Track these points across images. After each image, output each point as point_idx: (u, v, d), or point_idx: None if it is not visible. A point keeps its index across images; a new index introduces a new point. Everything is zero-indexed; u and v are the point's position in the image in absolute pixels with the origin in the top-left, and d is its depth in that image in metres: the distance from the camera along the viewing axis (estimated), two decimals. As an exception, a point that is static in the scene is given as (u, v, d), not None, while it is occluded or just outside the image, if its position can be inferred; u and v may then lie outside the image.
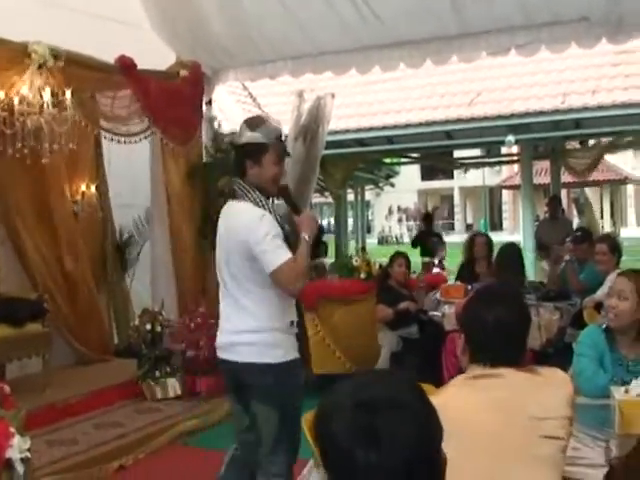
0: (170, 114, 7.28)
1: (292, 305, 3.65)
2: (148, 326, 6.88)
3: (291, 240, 3.55)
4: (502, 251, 7.30)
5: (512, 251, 7.28)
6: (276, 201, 3.68)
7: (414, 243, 13.56)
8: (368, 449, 1.27)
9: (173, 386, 6.82)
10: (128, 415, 6.40)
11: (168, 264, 7.54)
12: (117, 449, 5.55)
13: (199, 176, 7.65)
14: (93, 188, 8.08)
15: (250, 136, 3.54)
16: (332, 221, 17.72)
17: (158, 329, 6.91)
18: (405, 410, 1.32)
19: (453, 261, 8.74)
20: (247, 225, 3.45)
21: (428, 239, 12.72)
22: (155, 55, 7.40)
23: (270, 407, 3.54)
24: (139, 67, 6.97)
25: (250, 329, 3.51)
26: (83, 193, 7.95)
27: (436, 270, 11.16)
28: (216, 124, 8.75)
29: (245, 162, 3.55)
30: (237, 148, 3.65)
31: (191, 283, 7.51)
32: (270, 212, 3.50)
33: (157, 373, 6.80)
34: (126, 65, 6.87)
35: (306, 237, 3.51)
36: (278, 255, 3.41)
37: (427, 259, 12.15)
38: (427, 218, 14.39)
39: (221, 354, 3.67)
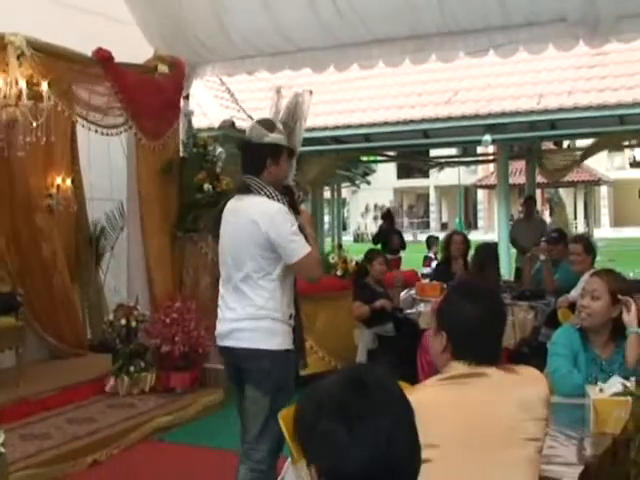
0: (147, 108, 7.23)
1: (292, 299, 3.82)
2: (123, 321, 6.84)
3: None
4: (480, 250, 7.34)
5: (490, 250, 7.33)
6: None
7: (375, 240, 13.63)
8: (345, 434, 1.30)
9: (147, 381, 6.78)
10: (102, 410, 6.35)
11: (143, 259, 7.49)
12: (91, 444, 5.51)
13: (175, 171, 7.60)
14: (68, 182, 8.01)
15: (273, 137, 3.81)
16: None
17: (133, 324, 6.87)
18: (378, 399, 1.35)
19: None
20: (272, 217, 3.66)
21: (389, 236, 12.82)
22: (134, 49, 7.34)
23: (262, 392, 3.69)
24: (117, 60, 6.92)
25: (252, 316, 3.70)
26: (58, 186, 7.88)
27: (434, 264, 11.31)
28: (193, 119, 8.73)
29: (266, 161, 3.78)
30: (258, 147, 3.80)
31: (166, 278, 7.47)
32: (287, 207, 3.74)
33: (131, 368, 6.75)
34: (104, 57, 6.81)
35: (312, 233, 3.84)
36: (303, 246, 3.67)
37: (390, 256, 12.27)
38: (388, 215, 14.49)
39: (222, 342, 3.84)
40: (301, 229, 3.77)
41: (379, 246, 12.63)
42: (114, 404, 6.52)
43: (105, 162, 7.86)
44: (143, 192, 7.51)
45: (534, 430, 2.21)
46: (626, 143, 13.16)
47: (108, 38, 6.87)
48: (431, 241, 13.75)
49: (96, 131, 6.90)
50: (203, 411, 6.61)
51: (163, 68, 7.54)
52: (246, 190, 3.79)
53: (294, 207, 3.89)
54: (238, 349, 3.73)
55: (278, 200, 3.73)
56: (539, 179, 15.27)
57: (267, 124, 3.90)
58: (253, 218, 3.69)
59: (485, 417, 2.19)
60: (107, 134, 6.99)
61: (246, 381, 3.78)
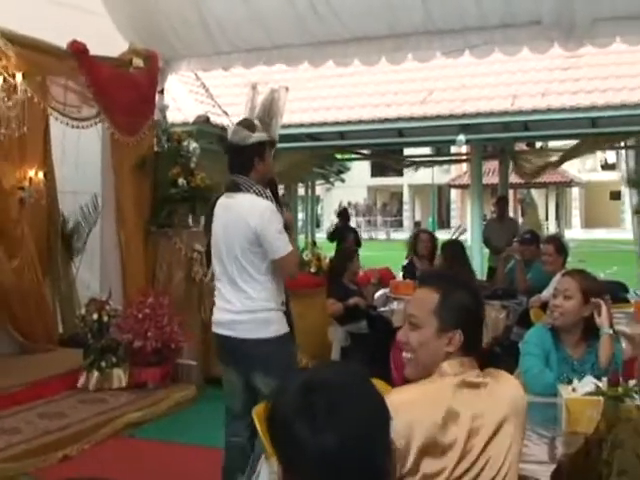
0: (121, 102, 7.19)
1: (282, 287, 4.13)
2: (95, 316, 6.80)
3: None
4: (447, 247, 7.37)
5: (457, 247, 7.35)
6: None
7: (331, 238, 13.64)
8: (304, 425, 1.32)
9: (119, 377, 6.74)
10: (73, 405, 6.30)
11: (116, 254, 7.45)
12: (61, 439, 5.48)
13: (150, 165, 7.56)
14: (41, 175, 7.94)
15: (256, 136, 4.09)
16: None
17: (105, 319, 6.83)
18: (345, 393, 1.37)
19: (401, 257, 8.81)
20: (261, 215, 3.95)
21: (345, 234, 12.89)
22: (109, 42, 7.30)
23: (272, 378, 3.87)
24: (92, 53, 6.87)
25: (248, 309, 4.00)
26: (30, 179, 7.81)
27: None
28: (168, 113, 8.69)
29: (254, 160, 4.07)
30: (244, 148, 4.06)
31: (140, 273, 7.43)
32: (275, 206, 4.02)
33: (103, 363, 6.71)
34: (78, 50, 6.77)
35: (292, 234, 4.17)
36: (287, 244, 3.99)
37: None
38: (343, 214, 14.57)
39: (220, 330, 4.12)
40: (286, 227, 4.05)
41: (334, 244, 12.71)
42: (85, 399, 6.47)
43: (74, 155, 7.78)
44: (117, 186, 7.47)
45: (519, 438, 2.23)
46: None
47: (83, 31, 6.82)
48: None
49: (67, 124, 6.84)
50: (175, 407, 6.58)
51: (138, 62, 7.50)
52: (236, 188, 4.06)
53: (276, 198, 4.15)
54: (239, 340, 4.02)
55: (266, 197, 4.01)
56: (512, 179, 15.38)
57: (248, 125, 4.13)
58: (243, 214, 3.97)
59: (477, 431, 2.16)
60: (79, 127, 6.95)
61: (252, 370, 4.04)
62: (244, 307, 4.02)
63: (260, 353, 4.01)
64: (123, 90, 7.23)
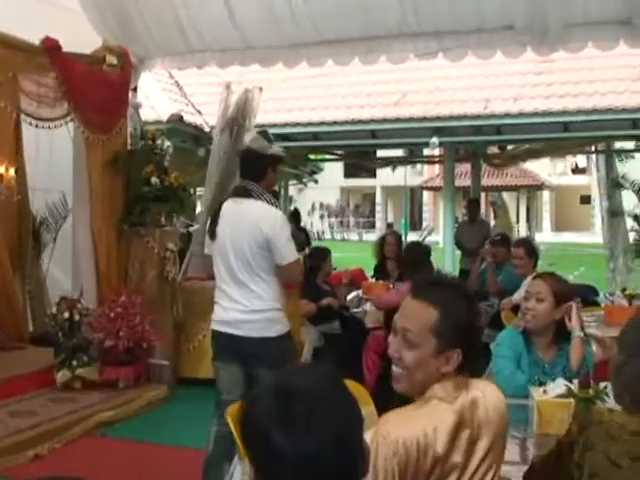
0: (94, 100, 7.14)
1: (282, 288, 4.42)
2: (66, 314, 6.73)
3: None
4: (410, 249, 7.38)
5: (420, 249, 7.35)
6: None
7: None
8: (282, 432, 1.33)
9: (90, 376, 6.69)
10: (44, 404, 6.25)
11: (89, 252, 7.39)
12: (32, 438, 5.44)
13: (123, 163, 7.50)
14: (12, 171, 7.86)
15: (275, 149, 4.42)
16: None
17: (76, 317, 6.76)
18: (321, 398, 1.37)
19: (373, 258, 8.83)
20: (274, 222, 4.23)
21: (295, 234, 12.97)
22: (82, 39, 7.24)
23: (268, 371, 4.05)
24: (65, 50, 6.81)
25: (258, 309, 4.24)
26: (1, 176, 7.73)
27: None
28: (141, 111, 8.65)
29: (267, 170, 4.36)
30: (261, 157, 4.33)
31: (112, 272, 7.37)
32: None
33: (74, 362, 6.65)
34: (51, 47, 6.71)
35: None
36: (293, 253, 4.29)
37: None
38: (295, 214, 14.71)
39: (225, 328, 4.33)
40: (293, 235, 4.38)
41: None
42: (56, 398, 6.42)
43: (46, 152, 7.70)
44: (89, 184, 7.41)
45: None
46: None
47: (57, 27, 6.76)
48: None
49: (37, 126, 6.76)
50: (146, 406, 6.56)
51: (111, 59, 7.45)
52: (246, 194, 4.31)
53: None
54: (246, 338, 4.24)
55: (276, 207, 4.32)
56: (484, 182, 15.49)
57: (267, 136, 4.42)
58: (255, 220, 4.22)
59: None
60: (49, 127, 6.87)
61: (255, 366, 4.20)
62: (253, 307, 4.24)
63: (266, 351, 4.21)
64: (96, 88, 7.18)
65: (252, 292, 4.25)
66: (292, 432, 1.33)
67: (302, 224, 15.24)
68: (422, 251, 6.93)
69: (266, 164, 4.37)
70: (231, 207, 4.37)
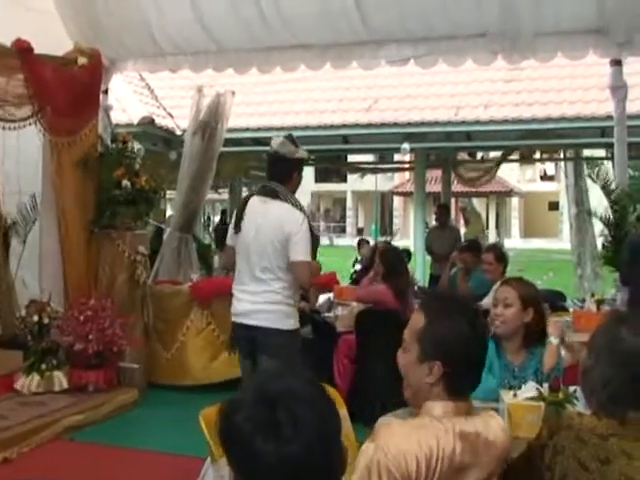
0: (63, 102, 7.09)
1: (298, 287, 4.75)
2: (35, 317, 6.67)
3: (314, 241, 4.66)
4: (386, 255, 7.40)
5: (397, 253, 7.38)
6: None
7: (215, 239, 13.76)
8: (268, 439, 1.34)
9: (59, 379, 6.62)
10: (12, 408, 6.16)
11: (57, 255, 7.32)
12: (1, 442, 5.36)
13: (93, 166, 7.45)
14: (-19, 173, 7.76)
15: (301, 153, 4.67)
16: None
17: (45, 321, 6.70)
18: (303, 402, 1.39)
19: (346, 263, 8.86)
20: (296, 221, 4.50)
21: (224, 235, 13.07)
22: (54, 41, 7.20)
23: (277, 362, 4.40)
24: (36, 52, 6.76)
25: (271, 301, 4.54)
26: (-31, 178, 7.63)
27: (358, 267, 11.42)
28: (112, 114, 8.60)
29: (293, 173, 4.64)
30: (288, 160, 4.61)
31: (82, 275, 7.31)
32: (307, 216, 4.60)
33: (43, 366, 6.58)
34: (22, 48, 6.66)
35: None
36: (306, 253, 4.52)
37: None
38: (223, 215, 14.91)
39: (241, 320, 4.65)
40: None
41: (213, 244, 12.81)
42: (25, 402, 6.34)
43: (15, 153, 7.61)
44: (58, 186, 7.34)
45: None
46: (537, 156, 13.54)
47: (27, 29, 6.71)
48: (362, 244, 13.98)
49: (3, 128, 6.70)
50: (116, 410, 6.51)
51: (83, 61, 7.39)
52: (273, 195, 4.58)
53: None
54: (259, 327, 4.54)
55: (301, 209, 4.59)
56: (454, 188, 15.59)
57: (293, 140, 4.65)
58: (280, 221, 4.52)
59: None
60: (14, 128, 6.81)
61: (261, 353, 4.54)
62: (267, 299, 4.54)
63: (276, 341, 4.51)
64: (65, 90, 7.12)
65: (267, 285, 4.54)
66: (278, 438, 1.34)
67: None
68: (399, 255, 6.98)
69: (292, 167, 4.64)
70: (258, 205, 4.63)
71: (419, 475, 1.98)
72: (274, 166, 4.70)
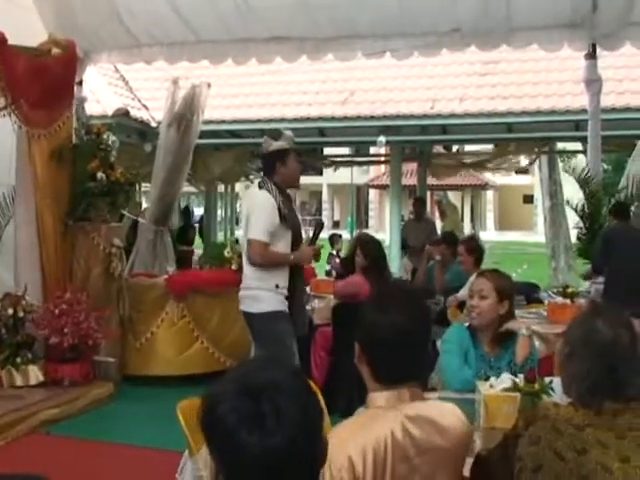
0: (36, 93, 7.02)
1: (281, 272, 4.81)
2: (10, 310, 6.60)
3: (293, 230, 4.88)
4: (367, 247, 7.39)
5: (378, 245, 7.39)
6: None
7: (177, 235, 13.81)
8: (252, 431, 1.33)
9: (35, 373, 6.57)
10: (-13, 402, 6.13)
11: (32, 248, 7.24)
12: (-24, 436, 5.35)
13: (67, 158, 7.38)
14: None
15: (277, 144, 4.87)
16: (201, 211, 17.80)
17: (21, 314, 6.64)
18: (287, 394, 1.38)
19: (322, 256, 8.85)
20: (256, 202, 4.83)
21: (187, 230, 13.55)
22: (28, 32, 7.12)
23: (258, 345, 4.95)
24: (10, 43, 6.68)
25: (246, 286, 4.89)
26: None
27: (337, 260, 11.42)
28: (86, 106, 8.54)
29: (275, 164, 4.87)
30: (268, 155, 4.92)
31: (57, 268, 7.24)
32: (277, 203, 4.73)
33: (18, 359, 6.53)
34: (-4, 39, 6.57)
35: (291, 257, 4.84)
36: (258, 231, 4.69)
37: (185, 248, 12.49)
38: (185, 212, 14.97)
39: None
40: (296, 225, 4.94)
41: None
42: (1, 395, 6.29)
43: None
44: (33, 178, 7.26)
45: None
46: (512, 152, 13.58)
47: (3, 20, 6.62)
48: (334, 239, 13.89)
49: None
50: (92, 404, 6.49)
51: (57, 52, 7.32)
52: (259, 186, 4.88)
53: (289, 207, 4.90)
54: (243, 312, 4.95)
55: (275, 197, 4.76)
56: (430, 181, 15.63)
57: (274, 134, 4.97)
58: (250, 204, 4.91)
59: None
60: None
61: (253, 340, 5.08)
62: (244, 284, 4.89)
63: (251, 324, 4.91)
64: (39, 81, 7.05)
65: (245, 272, 4.89)
66: (261, 430, 1.34)
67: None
68: (379, 247, 6.94)
69: (272, 160, 4.89)
70: (245, 195, 5.40)
71: (376, 468, 1.97)
72: (261, 162, 5.21)
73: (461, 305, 6.71)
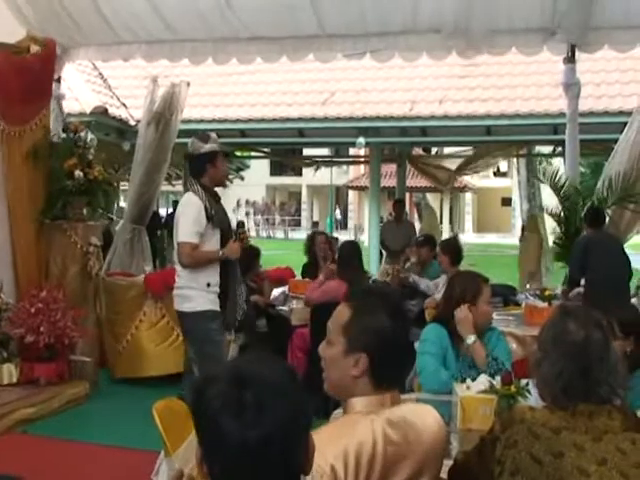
0: (14, 90, 6.97)
1: (212, 271, 4.90)
2: (-15, 308, 6.55)
3: (221, 227, 4.98)
4: (342, 248, 7.40)
5: (351, 248, 7.38)
6: None
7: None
8: (231, 419, 1.34)
9: (10, 372, 6.50)
10: (-38, 401, 6.06)
11: (7, 246, 7.17)
12: (-49, 435, 5.29)
13: (43, 156, 7.31)
14: None
15: (207, 147, 4.95)
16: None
17: (-4, 312, 6.58)
18: (273, 392, 1.39)
19: (301, 257, 8.85)
20: (182, 204, 5.00)
21: (154, 232, 13.22)
22: (6, 29, 7.06)
23: (189, 344, 5.09)
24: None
25: (177, 285, 4.98)
26: None
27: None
28: (64, 103, 8.47)
29: (205, 165, 4.96)
30: (197, 157, 4.98)
31: (32, 266, 7.18)
32: (204, 203, 4.83)
33: (-6, 358, 6.48)
34: (-27, 36, 6.52)
35: (220, 253, 4.92)
36: (185, 234, 4.82)
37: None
38: (155, 216, 15.03)
39: None
40: (225, 224, 5.03)
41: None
42: (-26, 395, 6.23)
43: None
44: (7, 176, 7.19)
45: None
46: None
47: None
48: (316, 238, 13.89)
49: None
50: (68, 403, 6.44)
51: (35, 49, 7.26)
52: (187, 189, 5.02)
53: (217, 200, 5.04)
54: (175, 311, 5.11)
55: (201, 198, 4.84)
56: (409, 183, 15.68)
57: (203, 137, 5.01)
58: (178, 207, 5.06)
59: None
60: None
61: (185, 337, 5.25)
62: (176, 284, 4.97)
63: (181, 323, 5.12)
64: (17, 78, 7.01)
65: (178, 271, 4.96)
66: (241, 419, 1.34)
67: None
68: (354, 250, 6.92)
69: (203, 162, 4.96)
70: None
71: (357, 473, 1.93)
72: (188, 164, 5.27)
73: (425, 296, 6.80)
